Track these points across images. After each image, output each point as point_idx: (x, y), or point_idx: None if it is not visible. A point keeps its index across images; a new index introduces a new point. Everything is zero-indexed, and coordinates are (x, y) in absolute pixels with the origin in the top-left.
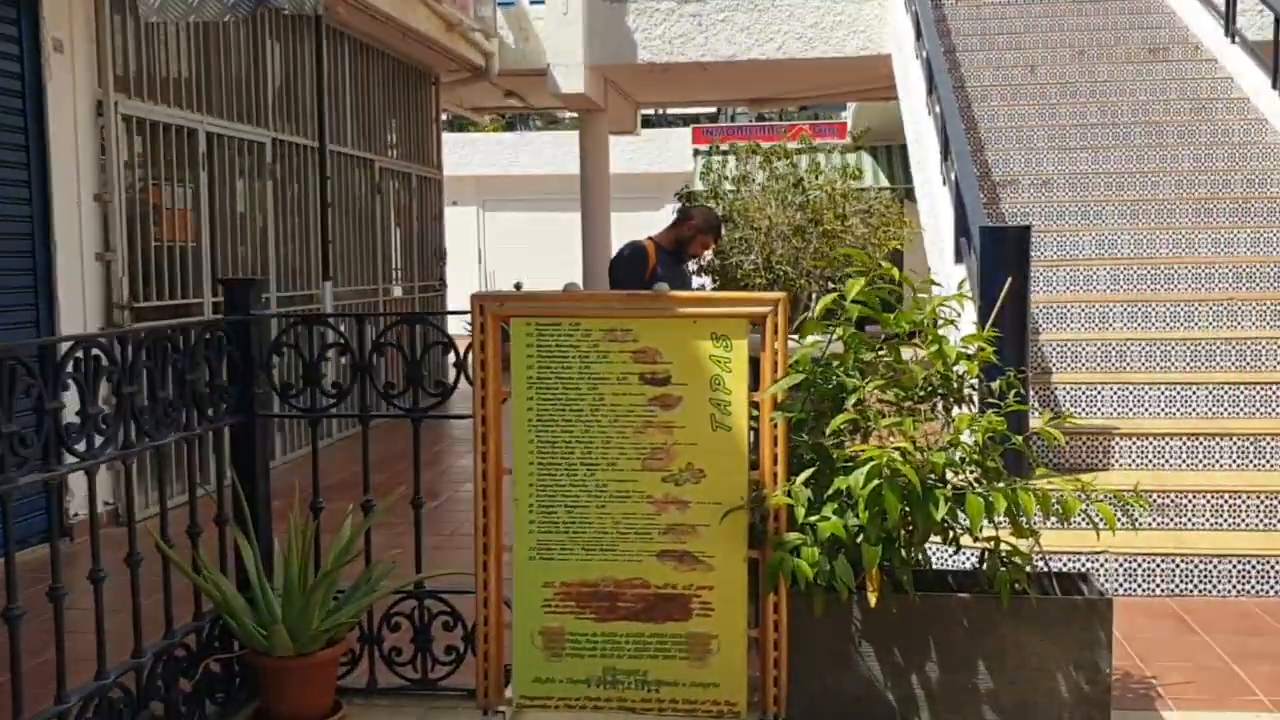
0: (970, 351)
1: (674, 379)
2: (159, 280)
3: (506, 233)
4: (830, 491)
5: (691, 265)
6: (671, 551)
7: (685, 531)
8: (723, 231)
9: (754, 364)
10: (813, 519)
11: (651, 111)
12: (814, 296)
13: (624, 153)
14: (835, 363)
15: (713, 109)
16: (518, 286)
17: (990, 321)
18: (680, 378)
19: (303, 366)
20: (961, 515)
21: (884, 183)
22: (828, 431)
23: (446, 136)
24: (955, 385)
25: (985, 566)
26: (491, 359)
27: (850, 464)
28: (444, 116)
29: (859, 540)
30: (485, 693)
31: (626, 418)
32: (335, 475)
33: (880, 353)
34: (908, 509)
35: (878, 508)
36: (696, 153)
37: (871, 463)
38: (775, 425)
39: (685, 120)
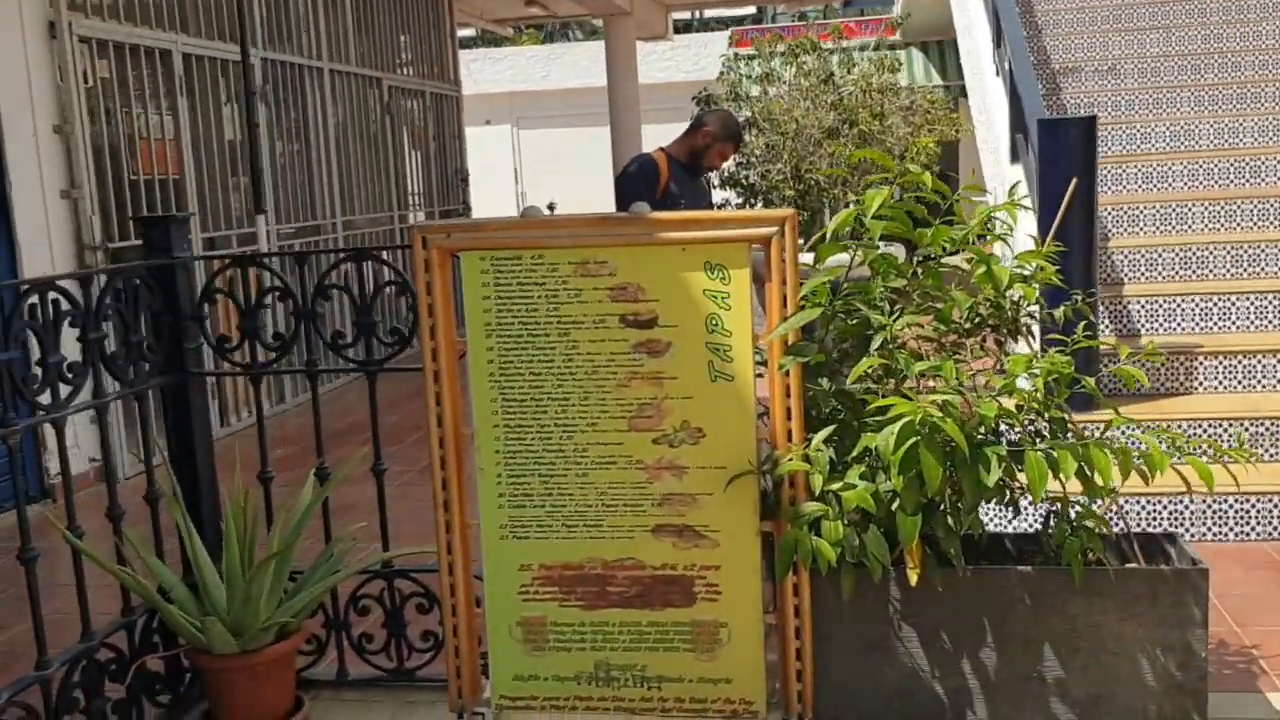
0: (1027, 271)
1: (661, 320)
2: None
3: (542, 151)
4: (858, 451)
5: (714, 178)
6: (669, 526)
7: (683, 502)
8: (744, 138)
9: (762, 286)
10: (835, 486)
11: (688, 15)
12: (849, 207)
13: (659, 61)
14: (860, 292)
15: (753, 9)
16: (551, 208)
17: (1053, 232)
18: (669, 318)
19: (239, 316)
20: (1021, 474)
21: (936, 80)
22: (849, 379)
23: (478, 52)
24: (1009, 314)
25: (1051, 531)
26: (441, 302)
27: (881, 419)
28: (471, 31)
29: (894, 508)
30: (459, 692)
31: (607, 368)
32: (331, 426)
33: (917, 277)
34: (952, 470)
35: (914, 472)
36: (736, 54)
37: (904, 419)
38: (786, 372)
39: (725, 23)
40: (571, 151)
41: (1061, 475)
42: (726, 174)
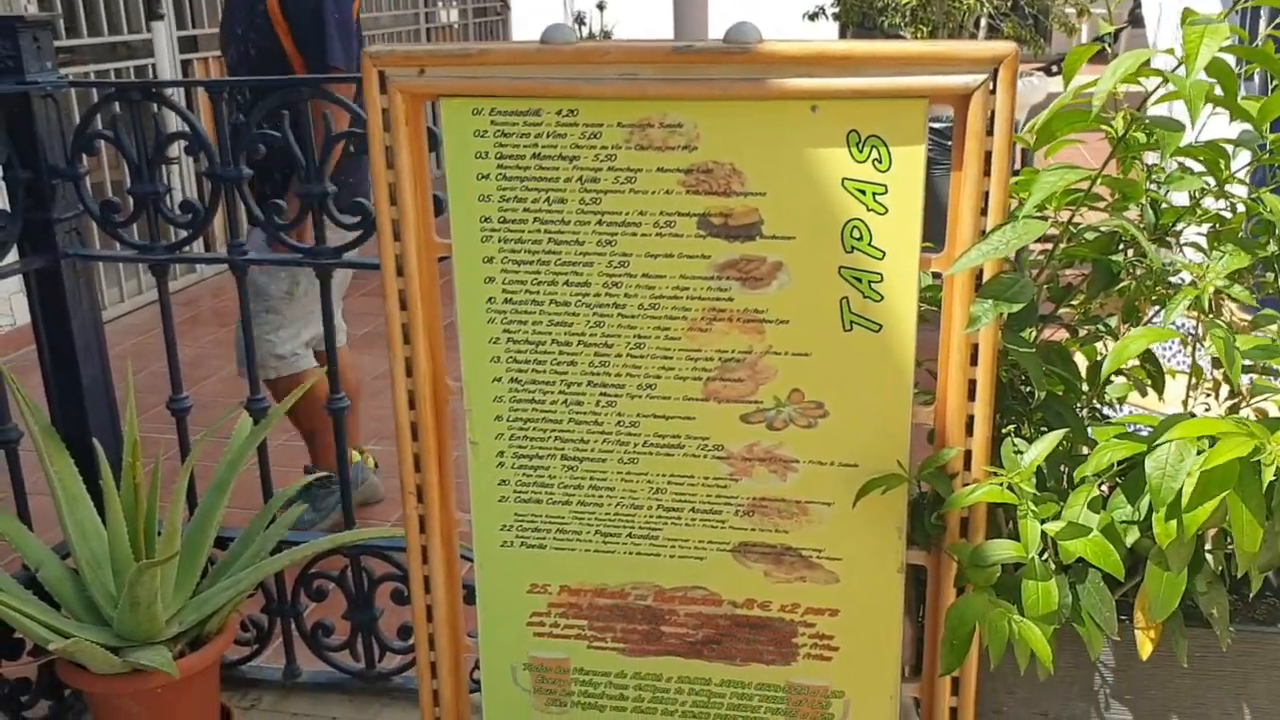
0: None
1: (768, 226)
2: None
3: None
4: (1097, 465)
5: None
6: (760, 546)
7: (785, 512)
8: None
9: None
10: (1055, 529)
11: None
12: (980, 24)
13: None
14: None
15: None
16: (600, 7)
17: None
18: (781, 224)
19: (131, 174)
20: None
21: None
22: (1103, 375)
23: None
24: None
25: None
26: (410, 182)
27: (1140, 435)
28: None
29: (1130, 542)
30: None
31: (674, 301)
32: None
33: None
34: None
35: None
36: None
37: (1223, 457)
38: (975, 329)
39: None
40: None
41: None
42: None
